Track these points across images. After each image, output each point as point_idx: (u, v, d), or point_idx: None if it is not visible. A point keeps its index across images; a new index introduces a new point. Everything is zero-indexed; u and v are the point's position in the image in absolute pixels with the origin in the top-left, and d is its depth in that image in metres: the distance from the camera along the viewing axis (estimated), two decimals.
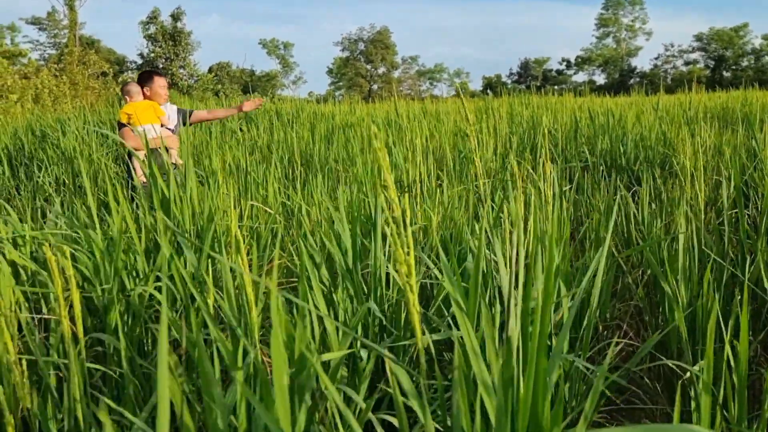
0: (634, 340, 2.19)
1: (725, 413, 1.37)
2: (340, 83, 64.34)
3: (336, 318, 1.66)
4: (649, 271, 2.21)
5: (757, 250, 2.03)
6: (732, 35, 52.59)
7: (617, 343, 2.06)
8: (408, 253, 0.75)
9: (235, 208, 1.69)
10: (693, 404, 1.40)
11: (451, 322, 1.71)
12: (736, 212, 2.56)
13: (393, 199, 0.72)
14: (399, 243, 0.74)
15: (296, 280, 2.21)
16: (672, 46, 57.82)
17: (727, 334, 1.39)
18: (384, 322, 1.70)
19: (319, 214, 2.77)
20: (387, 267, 1.73)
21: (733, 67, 52.70)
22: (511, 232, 1.14)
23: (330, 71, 65.45)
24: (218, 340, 1.15)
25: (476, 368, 0.97)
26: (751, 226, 2.36)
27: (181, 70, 31.04)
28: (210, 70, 35.97)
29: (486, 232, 1.76)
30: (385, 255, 1.77)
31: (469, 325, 0.93)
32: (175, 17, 31.43)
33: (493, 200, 2.83)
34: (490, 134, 4.55)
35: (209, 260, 1.76)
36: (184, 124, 4.00)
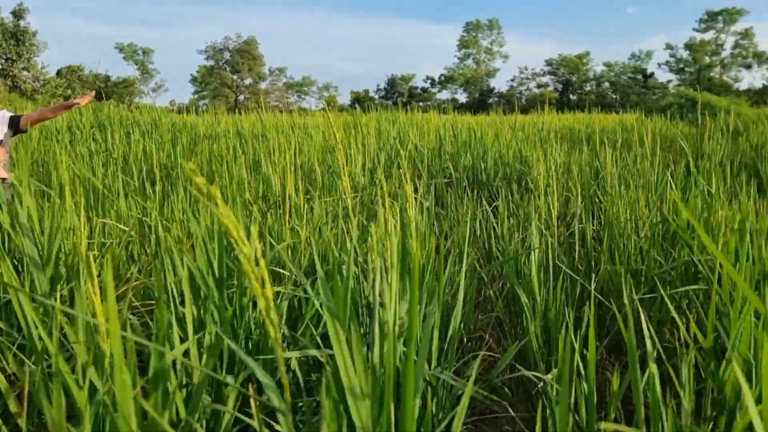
0: (496, 350, 2.29)
1: (576, 417, 1.46)
2: (205, 93, 62.21)
3: (200, 344, 1.57)
4: (508, 284, 2.32)
5: (601, 261, 2.20)
6: (577, 62, 57.68)
7: (477, 352, 2.14)
8: (264, 286, 0.71)
9: (84, 226, 1.55)
10: (548, 410, 1.48)
11: (320, 341, 1.68)
12: (583, 226, 2.77)
13: (240, 239, 0.68)
14: (253, 278, 0.70)
15: (154, 302, 2.07)
16: (526, 69, 62.18)
17: (576, 342, 1.48)
18: (250, 346, 1.63)
19: (180, 231, 2.62)
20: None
21: (579, 91, 57.81)
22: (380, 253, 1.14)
23: (194, 80, 63.09)
24: (64, 374, 1.04)
25: (348, 388, 0.95)
26: (596, 239, 2.56)
27: (25, 73, 28.41)
28: (59, 74, 33.27)
29: (355, 249, 1.76)
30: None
31: (342, 346, 0.90)
32: (17, 14, 28.73)
33: (362, 216, 2.84)
34: (358, 150, 4.60)
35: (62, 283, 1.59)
36: (17, 132, 3.62)
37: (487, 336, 2.37)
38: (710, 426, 1.33)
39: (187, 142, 6.35)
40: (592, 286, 1.53)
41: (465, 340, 2.15)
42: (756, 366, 1.29)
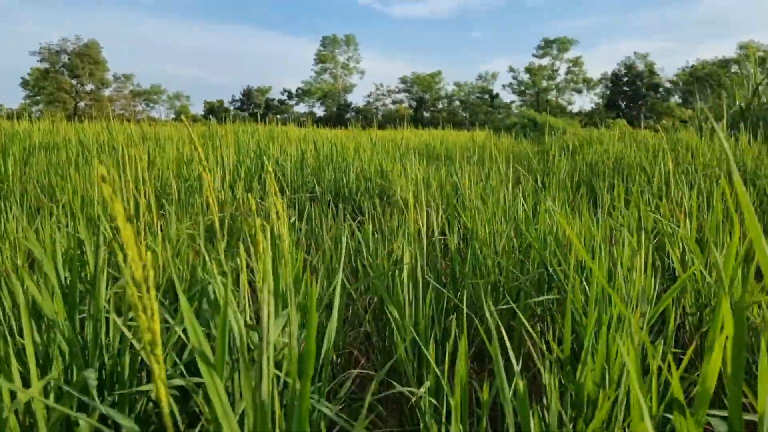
0: (366, 366, 2.28)
1: (448, 429, 1.48)
2: (38, 98, 56.90)
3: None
4: (375, 298, 2.34)
5: (465, 274, 2.29)
6: (430, 80, 60.48)
7: (351, 371, 2.12)
8: (152, 318, 0.63)
9: None
10: (422, 425, 1.49)
11: (184, 370, 1.57)
12: (446, 239, 2.87)
13: (134, 261, 0.60)
14: (140, 308, 0.61)
15: None
16: (382, 85, 64.06)
17: (445, 355, 1.52)
18: (104, 376, 1.48)
19: (14, 252, 2.35)
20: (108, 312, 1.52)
21: (431, 108, 60.60)
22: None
23: (25, 83, 57.47)
24: None
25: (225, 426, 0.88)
26: (458, 252, 2.66)
27: None
28: None
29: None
30: (106, 299, 1.55)
31: (216, 381, 0.84)
32: None
33: (225, 233, 2.72)
34: (217, 163, 4.42)
35: None
36: None
37: (356, 352, 2.36)
38: (571, 425, 1.41)
39: (20, 153, 5.74)
40: (464, 302, 1.58)
41: (335, 357, 2.13)
42: (609, 369, 1.40)
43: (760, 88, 8.11)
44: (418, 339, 1.70)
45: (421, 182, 4.06)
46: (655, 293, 1.89)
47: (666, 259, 2.42)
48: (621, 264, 1.80)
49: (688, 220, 2.32)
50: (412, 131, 14.11)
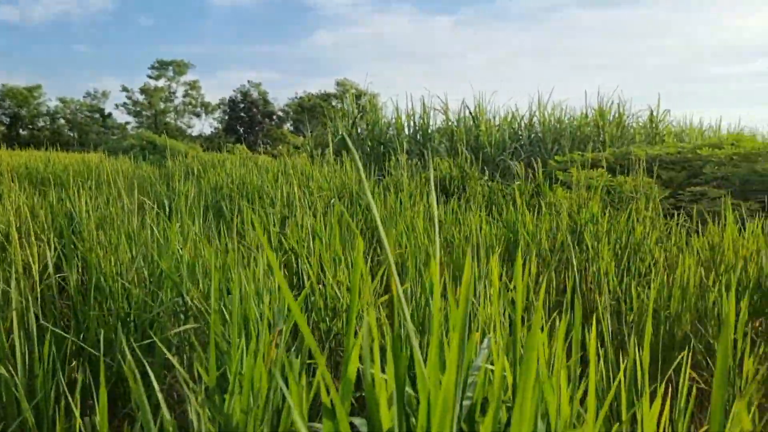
0: None
1: None
2: None
3: None
4: None
5: (88, 316, 2.05)
6: (27, 95, 53.06)
7: None
8: None
9: None
10: None
11: None
12: (60, 276, 2.53)
13: None
14: None
15: None
16: None
17: (77, 407, 1.33)
18: None
19: None
20: None
21: (30, 126, 53.23)
22: None
23: None
24: None
25: None
26: (78, 289, 2.37)
27: None
28: None
29: None
30: None
31: None
32: None
33: None
34: None
35: None
36: None
37: None
38: None
39: None
40: (101, 342, 1.40)
41: None
42: (260, 393, 1.42)
43: (357, 120, 9.50)
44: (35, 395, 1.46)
45: (26, 210, 3.52)
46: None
47: (295, 276, 2.60)
48: (257, 284, 1.86)
49: (311, 237, 2.53)
50: (7, 152, 12.19)
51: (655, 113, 10.97)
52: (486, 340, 1.01)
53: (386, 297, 2.01)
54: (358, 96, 16.17)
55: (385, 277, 2.10)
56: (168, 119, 55.58)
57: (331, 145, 6.31)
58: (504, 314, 1.63)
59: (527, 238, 3.08)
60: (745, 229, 2.82)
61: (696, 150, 7.33)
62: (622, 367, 1.13)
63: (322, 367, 0.86)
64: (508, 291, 2.00)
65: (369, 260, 3.06)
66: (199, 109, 57.37)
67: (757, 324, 2.54)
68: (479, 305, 1.58)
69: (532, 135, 9.99)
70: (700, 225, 3.19)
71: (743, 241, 2.73)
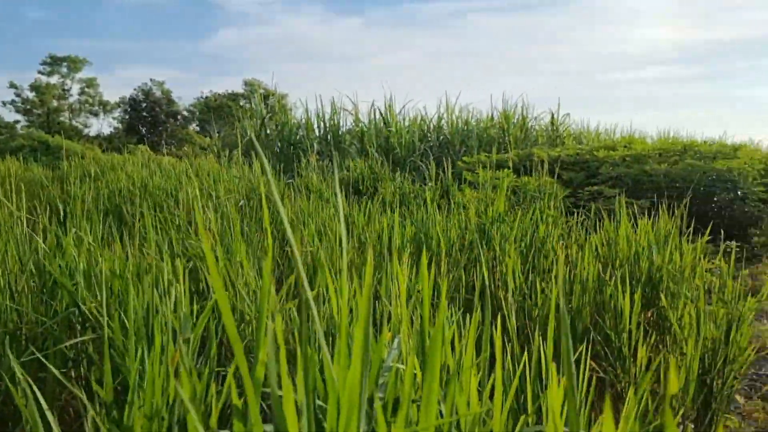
0: None
1: None
2: None
3: None
4: None
5: None
6: None
7: None
8: None
9: None
10: None
11: None
12: None
13: None
14: None
15: None
16: None
17: None
18: None
19: None
20: None
21: None
22: None
23: None
24: None
25: None
26: None
27: None
28: None
29: None
30: None
31: None
32: None
33: None
34: None
35: None
36: None
37: None
38: None
39: None
40: None
41: None
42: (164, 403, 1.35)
43: (266, 121, 9.32)
44: None
45: None
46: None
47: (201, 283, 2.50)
48: (160, 292, 1.77)
49: (218, 243, 2.45)
50: None
51: (555, 116, 11.52)
52: (396, 340, 1.01)
53: (296, 301, 1.98)
54: (267, 96, 15.92)
55: (293, 281, 2.07)
56: (62, 118, 52.31)
57: (240, 146, 6.16)
58: (416, 314, 1.64)
59: (438, 237, 3.14)
60: (637, 225, 3.00)
61: (593, 152, 7.75)
62: (524, 360, 1.16)
63: (240, 353, 0.83)
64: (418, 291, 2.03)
65: (279, 264, 3.01)
66: (96, 108, 54.36)
67: (649, 314, 2.71)
68: (391, 305, 1.59)
69: (441, 137, 10.22)
70: (597, 222, 3.37)
71: (635, 237, 2.91)
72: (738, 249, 5.33)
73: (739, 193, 6.88)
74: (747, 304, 2.38)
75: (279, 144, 9.35)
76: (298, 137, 9.71)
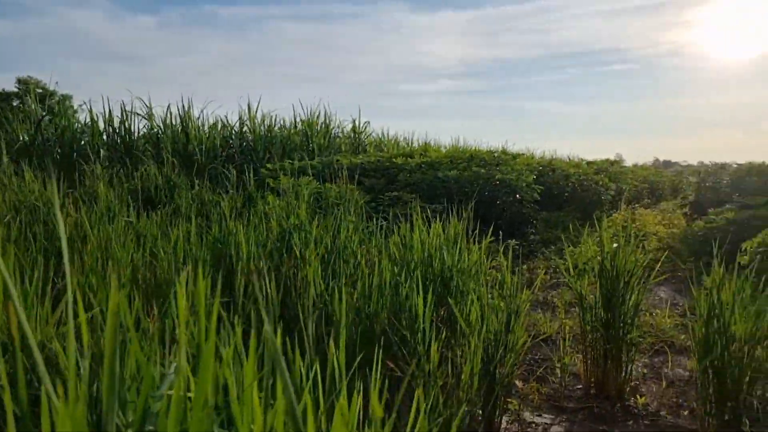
0: None
1: None
2: None
3: None
4: None
5: None
6: None
7: None
8: None
9: None
10: None
11: None
12: None
13: None
14: None
15: None
16: None
17: None
18: None
19: None
20: None
21: None
22: None
23: None
24: None
25: None
26: None
27: None
28: None
29: None
30: None
31: None
32: None
33: None
34: None
35: None
36: None
37: None
38: None
39: None
40: None
41: None
42: None
43: (43, 124, 8.28)
44: None
45: None
46: None
47: None
48: None
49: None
50: None
51: (357, 124, 11.89)
52: (173, 366, 0.92)
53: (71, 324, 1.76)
54: (45, 96, 14.25)
55: (65, 303, 1.84)
56: None
57: (4, 152, 5.35)
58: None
59: (241, 246, 3.03)
60: (431, 228, 3.17)
61: (392, 159, 8.13)
62: (316, 368, 1.14)
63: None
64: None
65: (53, 283, 2.67)
66: None
67: (442, 311, 2.87)
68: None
69: (244, 143, 9.98)
70: (395, 226, 3.50)
71: (429, 239, 3.07)
72: (517, 246, 5.93)
73: (517, 196, 7.68)
74: (522, 296, 2.63)
75: (59, 150, 8.38)
76: (82, 143, 8.80)
